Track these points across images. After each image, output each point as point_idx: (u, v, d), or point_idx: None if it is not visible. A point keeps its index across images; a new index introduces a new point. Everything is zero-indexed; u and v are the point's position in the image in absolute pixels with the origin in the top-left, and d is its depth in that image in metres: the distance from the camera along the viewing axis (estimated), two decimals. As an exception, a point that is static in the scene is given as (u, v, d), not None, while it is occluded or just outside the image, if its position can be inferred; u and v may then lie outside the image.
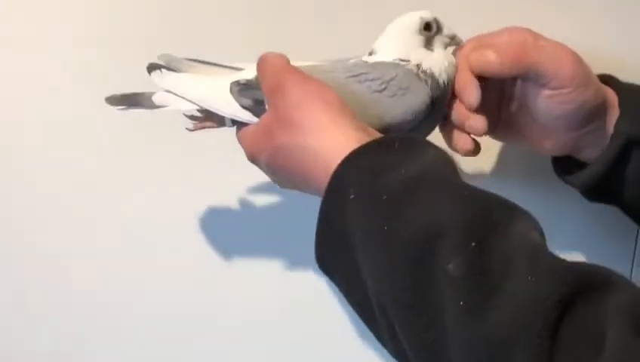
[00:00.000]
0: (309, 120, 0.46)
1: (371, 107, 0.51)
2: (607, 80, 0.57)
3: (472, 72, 0.54)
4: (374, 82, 0.51)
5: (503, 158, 0.68)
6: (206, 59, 0.57)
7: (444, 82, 0.53)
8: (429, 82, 0.52)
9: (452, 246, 0.37)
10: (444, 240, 0.37)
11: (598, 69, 0.56)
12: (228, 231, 0.69)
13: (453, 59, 0.55)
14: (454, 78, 0.54)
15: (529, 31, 0.54)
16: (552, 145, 0.57)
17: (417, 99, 0.51)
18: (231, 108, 0.53)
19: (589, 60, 0.54)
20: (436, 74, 0.53)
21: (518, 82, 0.56)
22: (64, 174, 0.67)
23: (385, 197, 0.41)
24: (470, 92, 0.53)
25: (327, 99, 0.47)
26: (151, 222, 0.68)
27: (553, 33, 0.54)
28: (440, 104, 0.53)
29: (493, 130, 0.57)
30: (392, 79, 0.52)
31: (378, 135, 0.47)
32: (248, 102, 0.52)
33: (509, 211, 0.39)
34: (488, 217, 0.38)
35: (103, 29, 0.64)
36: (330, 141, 0.45)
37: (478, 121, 0.53)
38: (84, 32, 0.65)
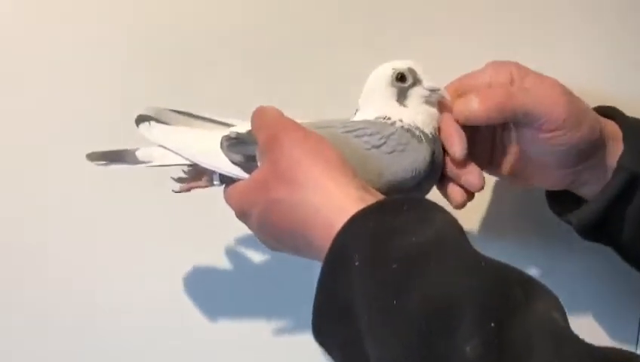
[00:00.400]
0: (311, 177, 0.43)
1: (370, 163, 0.48)
2: (609, 113, 0.54)
3: (457, 121, 0.51)
4: (373, 137, 0.48)
5: (496, 192, 0.66)
6: (196, 113, 0.54)
7: (432, 134, 0.50)
8: (423, 138, 0.49)
9: (469, 326, 0.34)
10: (460, 319, 0.34)
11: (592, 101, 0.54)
12: (216, 293, 0.65)
13: (435, 112, 0.51)
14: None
15: (515, 65, 0.52)
16: (547, 181, 0.54)
17: (419, 155, 0.48)
18: (220, 163, 0.50)
19: (581, 90, 0.52)
20: (422, 127, 0.50)
21: (509, 124, 0.53)
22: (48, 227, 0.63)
23: (394, 266, 0.37)
24: (455, 143, 0.50)
25: (328, 156, 0.45)
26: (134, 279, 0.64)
27: (542, 64, 0.51)
28: (438, 159, 0.50)
29: (484, 168, 0.54)
30: (391, 134, 0.49)
31: (380, 195, 0.44)
32: (239, 157, 0.49)
33: (529, 287, 0.36)
34: (507, 294, 0.35)
35: (87, 81, 0.62)
36: (333, 199, 0.42)
37: (475, 177, 0.50)
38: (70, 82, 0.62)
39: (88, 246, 0.63)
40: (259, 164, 0.48)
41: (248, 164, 0.49)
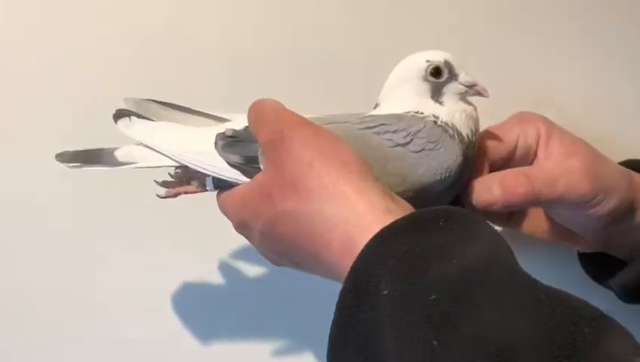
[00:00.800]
0: (324, 183, 0.36)
1: (392, 164, 0.40)
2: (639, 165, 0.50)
3: (475, 205, 0.45)
4: (397, 134, 0.41)
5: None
6: (185, 105, 0.47)
7: (468, 137, 0.43)
8: (457, 137, 0.42)
9: None
10: None
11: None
12: (213, 308, 0.57)
13: (473, 111, 0.44)
14: (479, 138, 0.45)
15: (543, 122, 0.47)
16: (575, 243, 0.51)
17: (450, 154, 0.41)
18: (215, 165, 0.42)
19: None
20: (458, 127, 0.43)
21: None
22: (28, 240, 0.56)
23: (433, 297, 0.30)
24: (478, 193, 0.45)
25: (344, 156, 0.38)
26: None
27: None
28: (469, 163, 0.43)
29: (502, 225, 0.51)
30: (419, 131, 0.41)
31: (407, 204, 0.37)
32: (236, 158, 0.42)
33: (600, 325, 0.29)
34: (574, 335, 0.28)
35: (58, 71, 0.54)
36: (353, 211, 0.35)
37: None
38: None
39: (66, 257, 0.55)
40: (261, 166, 0.40)
41: (248, 166, 0.42)
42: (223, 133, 0.43)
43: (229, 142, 0.42)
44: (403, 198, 0.39)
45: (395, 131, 0.41)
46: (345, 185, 0.36)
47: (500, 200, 0.44)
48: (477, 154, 0.44)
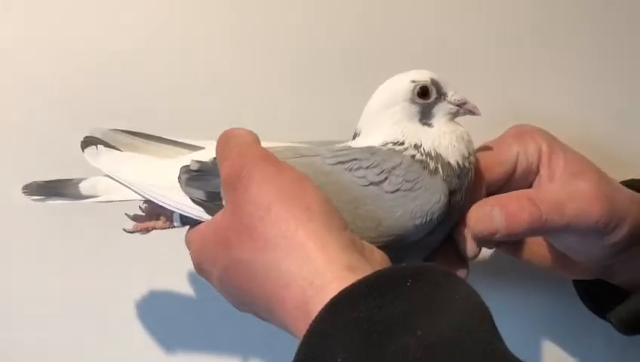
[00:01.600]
0: (282, 231, 0.33)
1: (366, 207, 0.36)
2: None
3: (475, 235, 0.40)
4: (371, 170, 0.37)
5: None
6: (156, 134, 0.44)
7: (458, 165, 0.38)
8: (442, 170, 0.38)
9: None
10: None
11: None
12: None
13: (464, 132, 0.40)
14: (475, 160, 0.40)
15: (544, 139, 0.43)
16: (574, 272, 0.46)
17: (431, 196, 0.37)
18: (179, 201, 0.39)
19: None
20: (444, 155, 0.38)
21: None
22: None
23: None
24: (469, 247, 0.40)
25: (308, 200, 0.33)
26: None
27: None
28: (457, 198, 0.38)
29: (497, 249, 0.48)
30: (394, 167, 0.37)
31: (378, 254, 0.34)
32: (199, 194, 0.39)
33: None
34: None
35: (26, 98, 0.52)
36: (310, 266, 0.31)
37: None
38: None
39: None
40: (224, 203, 0.37)
41: (211, 203, 0.38)
42: (188, 165, 0.40)
43: (193, 176, 0.39)
44: (379, 245, 0.35)
45: (368, 167, 0.37)
46: (304, 236, 0.32)
47: (502, 228, 0.39)
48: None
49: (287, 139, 0.41)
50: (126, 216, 0.43)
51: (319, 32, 0.53)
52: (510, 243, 0.46)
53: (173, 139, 0.44)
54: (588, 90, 0.54)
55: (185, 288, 0.53)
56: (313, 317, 0.29)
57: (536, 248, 0.46)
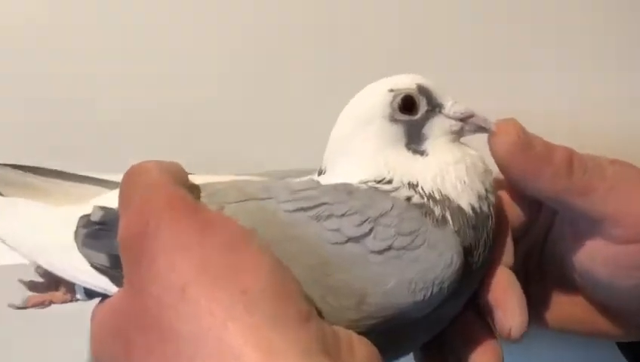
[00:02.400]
0: (203, 328, 0.21)
1: (341, 274, 0.24)
2: None
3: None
4: (348, 220, 0.24)
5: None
6: (60, 168, 0.32)
7: (473, 209, 0.26)
8: (451, 218, 0.26)
9: None
10: None
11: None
12: None
13: (478, 159, 0.28)
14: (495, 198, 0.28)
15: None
16: (617, 329, 0.34)
17: (438, 257, 0.24)
18: (78, 268, 0.27)
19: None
20: (453, 197, 0.26)
21: (554, 235, 0.33)
22: None
23: None
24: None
25: (245, 280, 0.22)
26: None
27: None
28: (475, 257, 0.26)
29: None
30: (382, 214, 0.24)
31: (361, 358, 0.22)
32: (101, 258, 0.27)
33: None
34: None
35: None
36: None
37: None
38: None
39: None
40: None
41: (115, 271, 0.26)
42: (88, 215, 0.28)
43: (93, 232, 0.27)
44: (362, 331, 0.24)
45: (343, 215, 0.24)
46: (238, 337, 0.20)
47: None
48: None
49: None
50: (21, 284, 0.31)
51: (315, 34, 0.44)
52: (537, 308, 0.34)
53: (86, 174, 0.32)
54: (588, 89, 0.49)
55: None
56: None
57: (569, 308, 0.34)
